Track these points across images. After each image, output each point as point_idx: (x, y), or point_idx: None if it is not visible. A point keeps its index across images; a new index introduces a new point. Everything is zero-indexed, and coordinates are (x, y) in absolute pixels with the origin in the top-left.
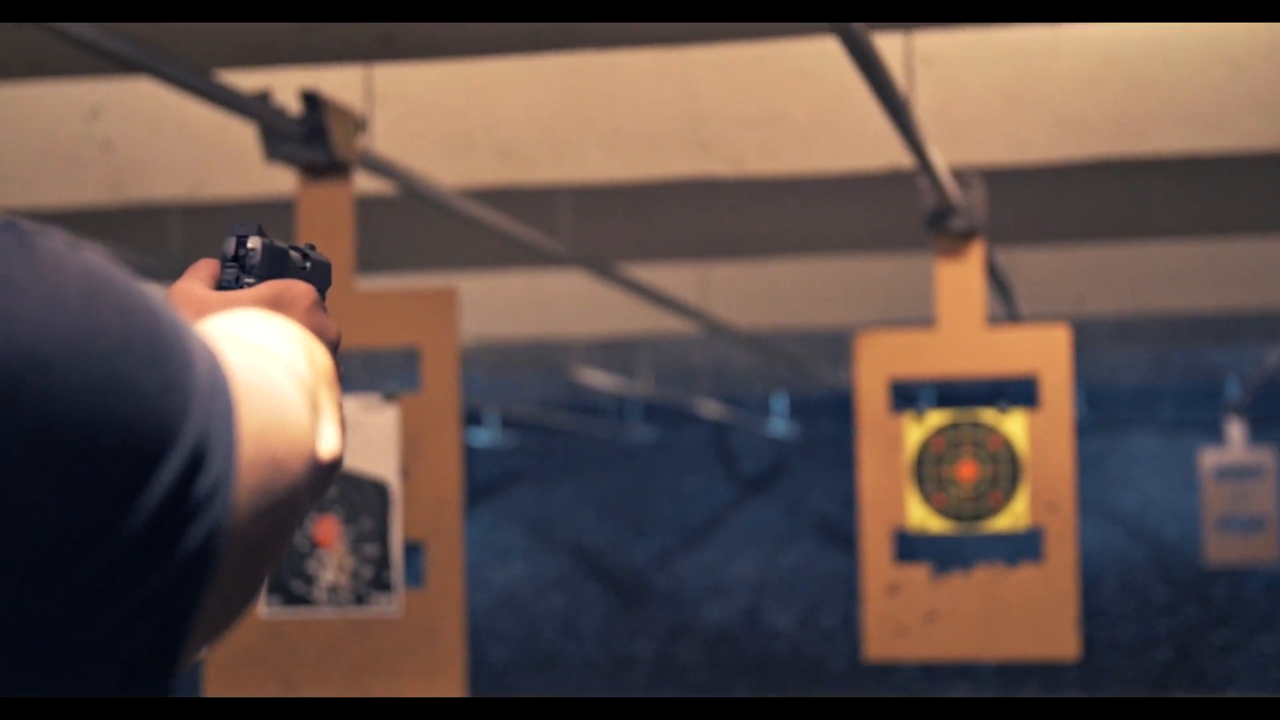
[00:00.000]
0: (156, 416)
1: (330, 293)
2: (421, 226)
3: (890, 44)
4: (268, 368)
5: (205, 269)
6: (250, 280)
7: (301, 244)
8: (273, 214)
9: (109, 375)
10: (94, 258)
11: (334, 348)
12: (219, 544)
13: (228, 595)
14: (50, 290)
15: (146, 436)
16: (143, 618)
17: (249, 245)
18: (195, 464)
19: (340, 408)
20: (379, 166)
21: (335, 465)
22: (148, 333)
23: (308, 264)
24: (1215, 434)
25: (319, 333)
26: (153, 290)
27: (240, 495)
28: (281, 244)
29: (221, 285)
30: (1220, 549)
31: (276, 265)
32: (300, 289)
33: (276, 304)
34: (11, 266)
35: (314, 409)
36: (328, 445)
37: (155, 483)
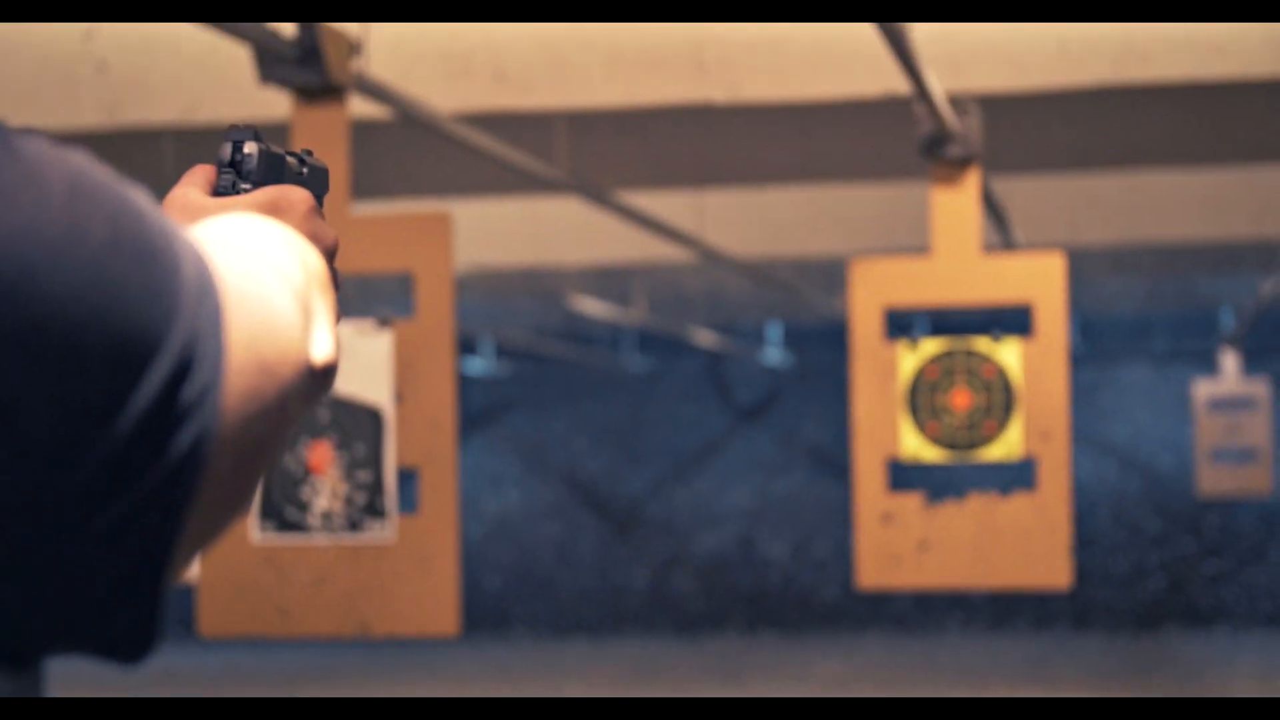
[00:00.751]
0: (143, 320)
1: (325, 217)
2: (416, 151)
3: None
4: (259, 272)
5: (201, 174)
6: (247, 186)
7: (298, 151)
8: (267, 137)
9: (95, 278)
10: (79, 160)
11: (330, 255)
12: (207, 448)
13: (218, 503)
14: (34, 192)
15: (133, 340)
16: (132, 523)
17: (245, 150)
18: (183, 367)
19: (335, 313)
20: (374, 90)
21: (329, 371)
22: (134, 235)
23: (304, 170)
24: (1209, 365)
25: (315, 239)
26: (140, 193)
27: (229, 400)
28: (278, 149)
29: (218, 191)
30: (1213, 480)
31: (273, 171)
32: (297, 194)
33: (273, 209)
34: None
35: (307, 314)
36: (321, 350)
37: (142, 386)
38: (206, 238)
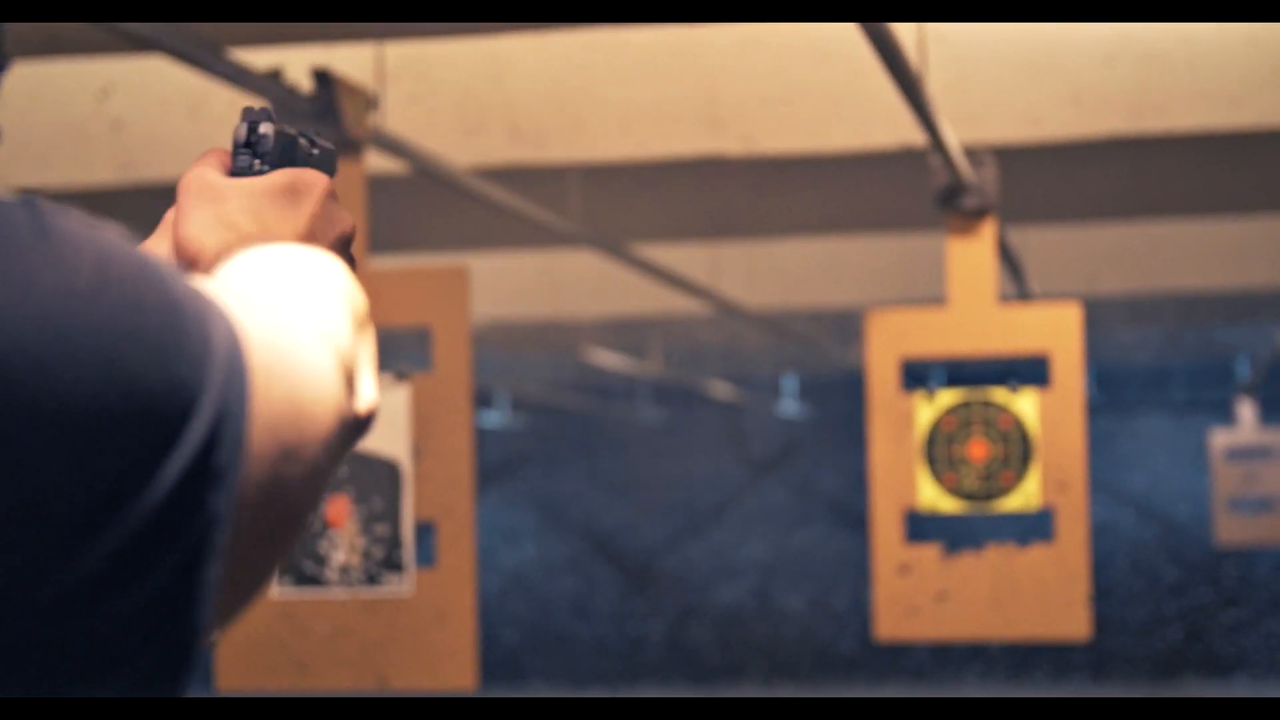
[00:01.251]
0: (171, 396)
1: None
2: (432, 206)
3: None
4: (293, 328)
5: (216, 156)
6: (263, 167)
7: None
8: (266, 116)
9: (123, 357)
10: (110, 238)
11: (348, 240)
12: (227, 525)
13: (254, 563)
14: (62, 273)
15: (160, 415)
16: (161, 595)
17: (262, 131)
18: (210, 444)
19: (374, 359)
20: (390, 145)
21: (369, 419)
22: (163, 314)
23: (315, 150)
24: (1226, 414)
25: (332, 223)
26: (169, 270)
27: (261, 463)
28: (292, 130)
29: (234, 172)
30: (1230, 529)
31: (288, 152)
32: (314, 177)
33: (292, 191)
34: (25, 248)
35: (347, 363)
36: (364, 400)
37: (170, 460)
38: (242, 289)
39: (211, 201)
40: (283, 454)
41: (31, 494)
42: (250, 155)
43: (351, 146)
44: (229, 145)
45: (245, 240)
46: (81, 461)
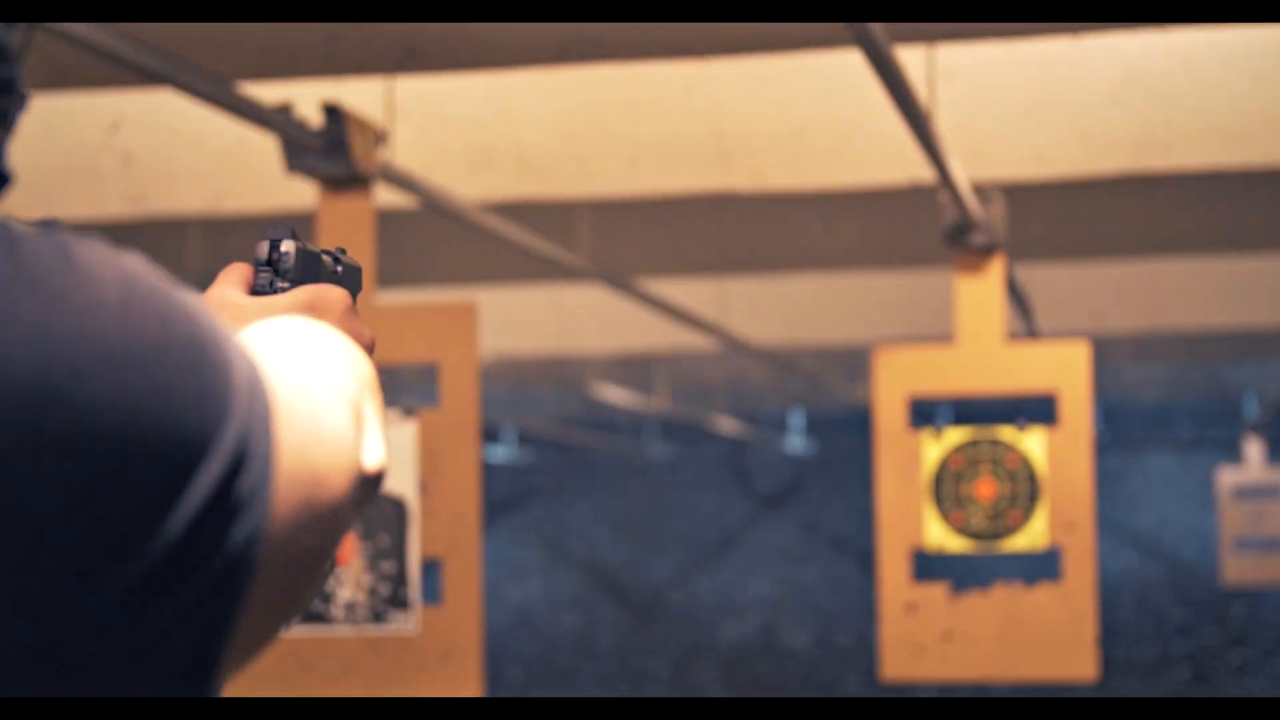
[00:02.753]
0: (193, 424)
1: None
2: (441, 240)
3: (912, 57)
4: (310, 380)
5: (238, 273)
6: (284, 285)
7: (332, 250)
8: (288, 234)
9: (146, 383)
10: (133, 264)
11: (368, 352)
12: (256, 552)
13: (269, 609)
14: (87, 297)
15: (183, 444)
16: (181, 627)
17: (283, 249)
18: (234, 470)
19: (383, 418)
20: (399, 179)
21: (379, 477)
22: (185, 340)
23: (339, 268)
24: (1233, 453)
25: (354, 337)
26: (191, 297)
27: (280, 508)
28: (314, 248)
29: (256, 290)
30: (1238, 569)
31: (310, 269)
32: (335, 294)
33: (312, 309)
34: (49, 273)
35: (358, 420)
36: (373, 457)
37: (192, 489)
38: (258, 343)
39: (233, 321)
40: (303, 498)
41: (60, 513)
42: (271, 273)
43: (360, 181)
44: (238, 178)
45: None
46: (110, 477)
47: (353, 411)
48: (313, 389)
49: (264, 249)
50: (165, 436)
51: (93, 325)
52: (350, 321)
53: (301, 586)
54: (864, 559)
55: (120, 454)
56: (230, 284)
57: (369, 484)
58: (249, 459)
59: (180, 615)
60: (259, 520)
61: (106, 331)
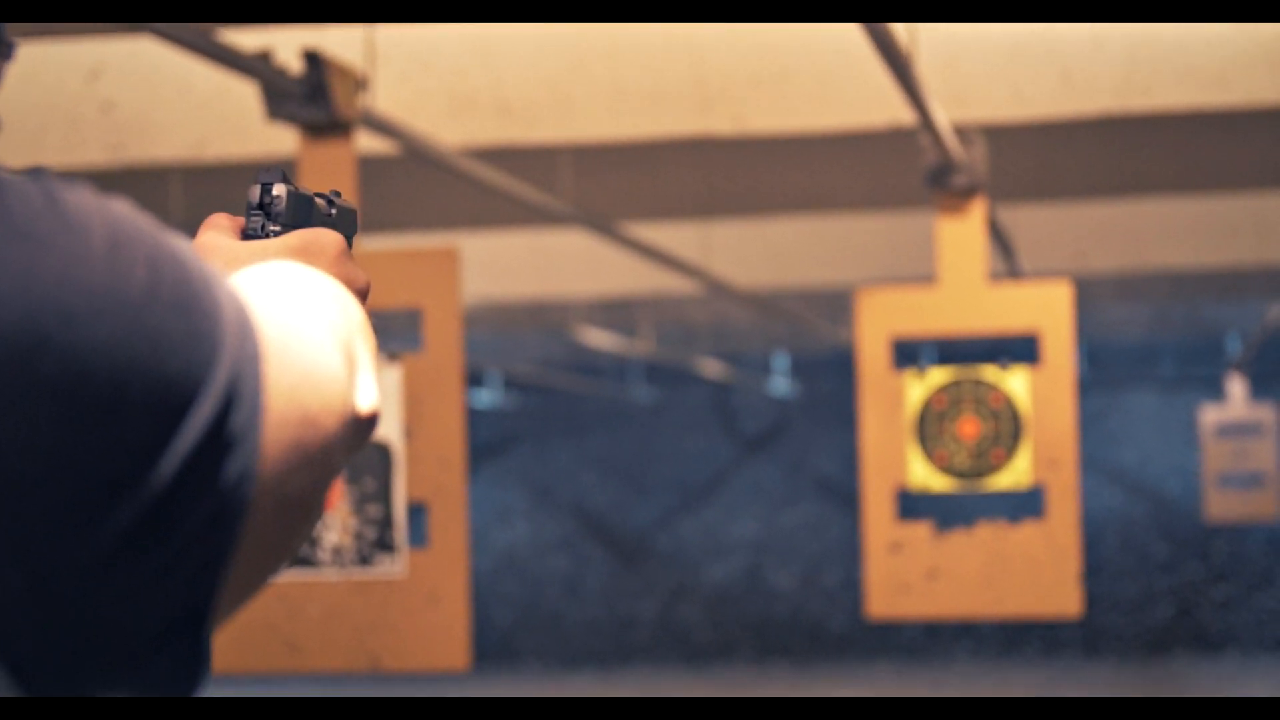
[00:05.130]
0: (184, 366)
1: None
2: (422, 186)
3: None
4: (301, 323)
5: (225, 220)
6: (276, 229)
7: (325, 193)
8: (280, 178)
9: (134, 325)
10: (121, 209)
11: (362, 297)
12: (247, 494)
13: (262, 551)
14: (75, 242)
15: (173, 386)
16: (176, 566)
17: (274, 192)
18: (223, 414)
19: (376, 362)
20: (380, 125)
21: (373, 420)
22: (174, 283)
23: (333, 210)
24: (1216, 391)
25: (347, 282)
26: (180, 241)
27: (270, 448)
28: (307, 191)
29: (247, 234)
30: (1220, 505)
31: (302, 213)
32: (329, 238)
33: (305, 253)
34: (36, 219)
35: (350, 364)
36: (366, 400)
37: (183, 431)
38: (249, 287)
39: (225, 266)
40: (294, 439)
41: (54, 457)
42: (263, 217)
43: (341, 127)
44: (219, 126)
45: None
46: (102, 421)
47: (344, 355)
48: (304, 332)
49: (255, 193)
50: (155, 380)
51: (81, 270)
52: (344, 265)
53: (293, 530)
54: (848, 500)
55: (110, 398)
56: (220, 229)
57: (362, 427)
58: (239, 401)
59: (173, 559)
60: (250, 462)
61: (94, 277)
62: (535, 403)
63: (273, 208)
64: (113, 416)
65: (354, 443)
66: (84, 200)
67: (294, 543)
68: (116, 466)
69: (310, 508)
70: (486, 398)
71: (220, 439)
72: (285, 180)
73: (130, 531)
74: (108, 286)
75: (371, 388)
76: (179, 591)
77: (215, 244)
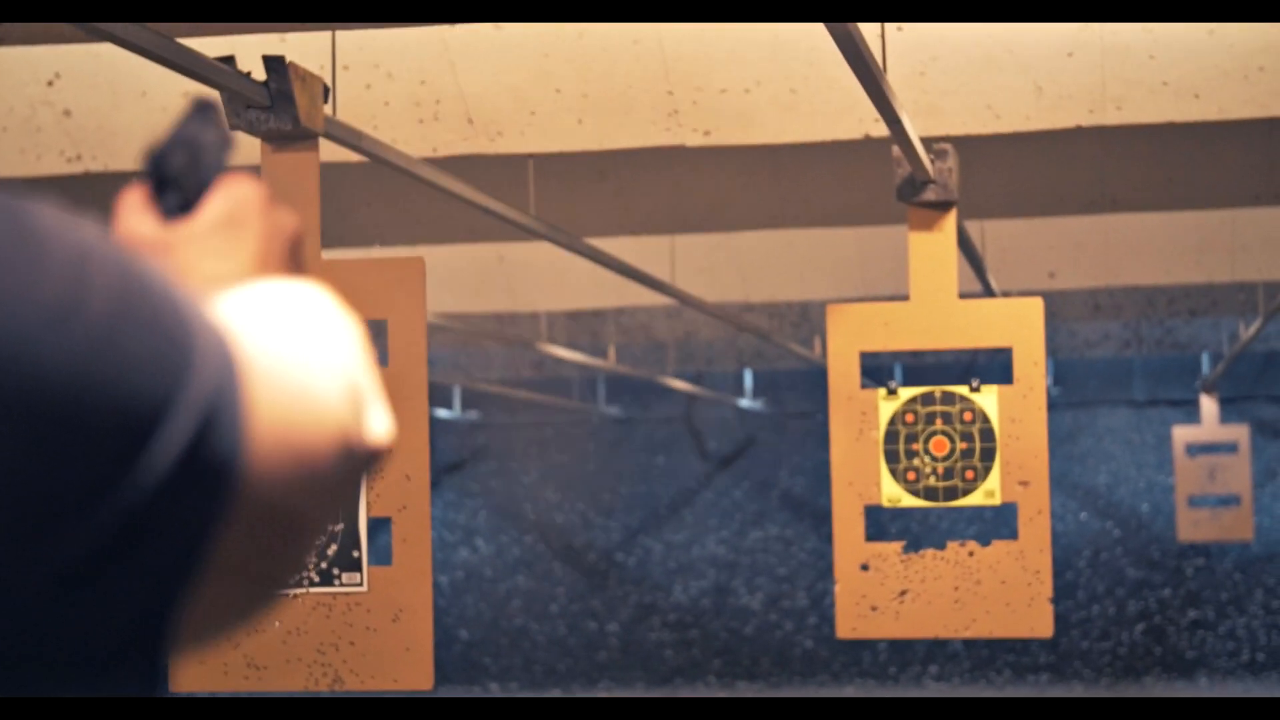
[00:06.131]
0: (149, 387)
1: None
2: (386, 196)
3: None
4: (294, 348)
5: (137, 200)
6: (192, 197)
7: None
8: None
9: (95, 347)
10: (88, 231)
11: (297, 241)
12: (224, 515)
13: (253, 577)
14: (32, 260)
15: (138, 407)
16: (137, 589)
17: (169, 161)
18: (198, 436)
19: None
20: (344, 134)
21: (383, 449)
22: (140, 307)
23: (219, 141)
24: (1188, 410)
25: (280, 231)
26: (154, 268)
27: (259, 472)
28: (186, 134)
29: (166, 214)
30: (1193, 526)
31: (198, 165)
32: (245, 189)
33: (236, 222)
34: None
35: (355, 390)
36: (378, 428)
37: (151, 453)
38: (239, 311)
39: (163, 261)
40: (286, 455)
41: (16, 472)
42: (177, 193)
43: (306, 135)
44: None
45: (219, 281)
46: (64, 438)
47: (346, 381)
48: (296, 357)
49: (152, 169)
50: (117, 401)
51: (39, 289)
52: (271, 217)
53: (285, 554)
54: (817, 518)
55: (70, 418)
56: (134, 214)
57: (372, 457)
58: (216, 424)
59: (137, 577)
60: (229, 485)
61: (51, 296)
62: (498, 417)
63: (179, 179)
64: (73, 436)
65: (362, 472)
66: (47, 221)
67: (289, 567)
68: (79, 486)
69: (304, 533)
70: (448, 413)
71: (196, 461)
72: (173, 145)
73: (92, 553)
74: (67, 305)
75: (382, 419)
76: (140, 610)
77: (139, 234)
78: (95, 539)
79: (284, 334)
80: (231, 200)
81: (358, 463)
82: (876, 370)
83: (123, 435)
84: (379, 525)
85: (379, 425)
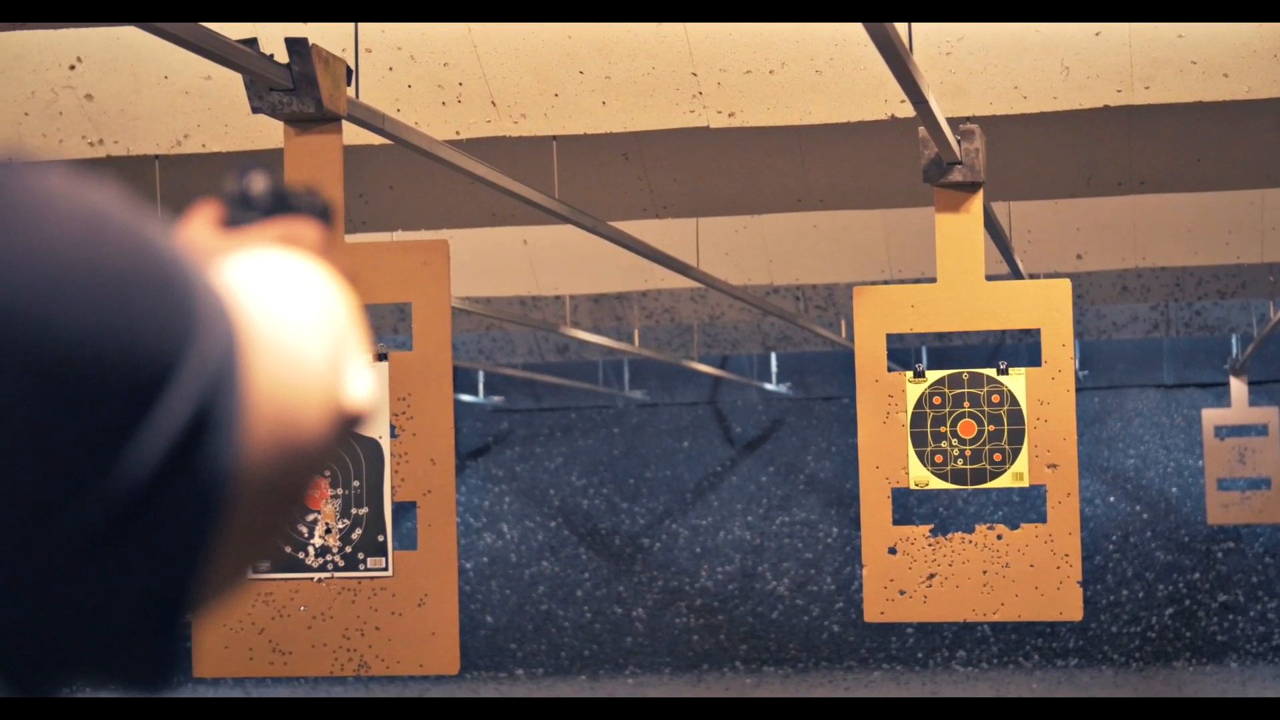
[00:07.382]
0: (154, 349)
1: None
2: (408, 180)
3: None
4: (288, 313)
5: (207, 210)
6: (255, 217)
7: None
8: (259, 167)
9: (102, 310)
10: (99, 193)
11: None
12: (229, 481)
13: (238, 546)
14: (47, 227)
15: (143, 369)
16: (150, 553)
17: (253, 181)
18: (202, 402)
19: (368, 355)
20: (367, 117)
21: (362, 413)
22: (148, 270)
23: (309, 202)
24: (1217, 393)
25: (330, 275)
26: (161, 226)
27: (251, 437)
28: (284, 183)
29: (228, 223)
30: (1222, 509)
31: (280, 203)
32: (308, 227)
33: (285, 243)
34: (6, 203)
35: (340, 358)
36: (358, 392)
37: (154, 418)
38: (234, 276)
39: (206, 253)
40: (277, 433)
41: (24, 434)
42: (242, 207)
43: (329, 118)
44: (201, 117)
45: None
46: (68, 399)
47: (334, 345)
48: (290, 322)
49: (233, 182)
50: (123, 362)
51: (45, 251)
52: (324, 257)
53: (272, 523)
54: (842, 501)
55: (75, 379)
56: (200, 220)
57: (351, 419)
58: (219, 390)
59: (147, 544)
60: (231, 451)
61: (59, 258)
62: (523, 402)
63: (250, 196)
64: (78, 397)
65: (342, 434)
66: (58, 183)
67: (272, 537)
68: (85, 449)
69: (292, 500)
70: (473, 397)
71: (200, 427)
72: (263, 169)
73: (103, 518)
74: (73, 269)
75: (364, 380)
76: (154, 581)
77: (195, 235)
78: (106, 502)
79: (275, 297)
80: (290, 227)
81: (339, 426)
82: (903, 353)
83: (129, 395)
84: (404, 510)
85: (358, 388)
